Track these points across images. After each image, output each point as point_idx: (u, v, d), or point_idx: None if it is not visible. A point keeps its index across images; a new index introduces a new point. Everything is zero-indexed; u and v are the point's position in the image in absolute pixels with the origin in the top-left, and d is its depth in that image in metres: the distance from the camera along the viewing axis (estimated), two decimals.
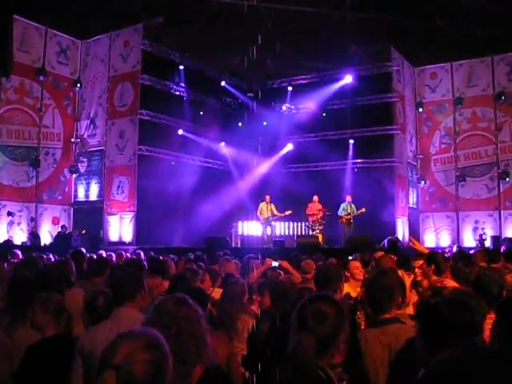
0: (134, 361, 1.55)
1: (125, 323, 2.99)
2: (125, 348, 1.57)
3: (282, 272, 6.47)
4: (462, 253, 7.94)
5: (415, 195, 22.07)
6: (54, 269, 5.42)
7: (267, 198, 18.15)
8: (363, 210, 17.22)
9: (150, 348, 1.59)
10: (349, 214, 17.47)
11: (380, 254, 6.93)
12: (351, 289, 5.20)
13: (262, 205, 18.09)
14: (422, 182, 21.93)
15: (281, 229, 19.39)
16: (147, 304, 3.36)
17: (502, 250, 10.17)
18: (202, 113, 20.84)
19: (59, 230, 18.52)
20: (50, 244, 17.41)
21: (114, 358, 1.54)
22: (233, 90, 22.73)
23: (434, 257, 5.38)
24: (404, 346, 2.97)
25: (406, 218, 20.55)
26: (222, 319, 4.36)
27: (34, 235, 17.62)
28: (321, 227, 17.76)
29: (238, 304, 4.52)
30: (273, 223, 18.39)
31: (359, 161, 20.61)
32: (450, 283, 4.98)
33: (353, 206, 17.55)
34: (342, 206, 17.75)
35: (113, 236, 18.56)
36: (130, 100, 18.78)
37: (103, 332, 3.01)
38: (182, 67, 19.93)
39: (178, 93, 19.85)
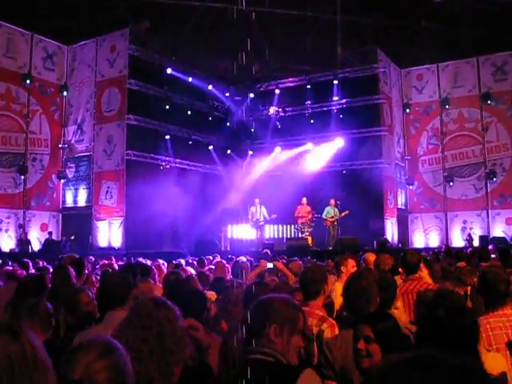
0: (93, 371, 1.56)
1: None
2: (81, 361, 1.57)
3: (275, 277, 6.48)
4: (449, 252, 8.00)
5: (404, 196, 22.22)
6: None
7: (256, 201, 18.22)
8: (347, 212, 17.39)
9: (105, 354, 1.61)
10: (333, 216, 17.67)
11: (369, 254, 6.93)
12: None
13: (252, 208, 18.16)
14: (411, 187, 22.09)
15: (270, 231, 19.42)
16: None
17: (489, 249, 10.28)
18: (189, 117, 20.82)
19: (47, 236, 18.47)
20: (39, 250, 17.32)
21: (74, 373, 1.55)
22: (220, 94, 22.76)
23: (404, 257, 5.35)
24: None
25: (394, 219, 20.69)
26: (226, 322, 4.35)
27: (22, 242, 17.53)
28: (310, 229, 17.87)
29: (241, 306, 4.51)
30: (265, 226, 18.47)
31: (347, 163, 20.70)
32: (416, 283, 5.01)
33: (336, 209, 17.70)
34: (326, 209, 17.94)
35: (102, 241, 18.52)
36: (117, 105, 18.75)
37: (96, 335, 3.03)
38: (169, 71, 19.93)
39: (165, 97, 19.82)
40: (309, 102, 21.82)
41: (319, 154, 21.18)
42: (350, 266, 5.74)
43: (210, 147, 22.03)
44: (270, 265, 6.78)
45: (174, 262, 9.40)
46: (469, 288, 4.42)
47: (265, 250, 12.16)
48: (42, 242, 18.32)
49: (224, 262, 8.04)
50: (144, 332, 2.13)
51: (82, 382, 1.52)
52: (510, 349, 3.18)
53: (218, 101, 22.77)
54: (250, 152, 23.12)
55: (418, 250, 13.26)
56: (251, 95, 22.88)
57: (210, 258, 10.65)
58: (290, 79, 22.48)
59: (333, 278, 5.79)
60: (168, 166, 19.85)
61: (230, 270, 7.48)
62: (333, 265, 7.83)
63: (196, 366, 2.42)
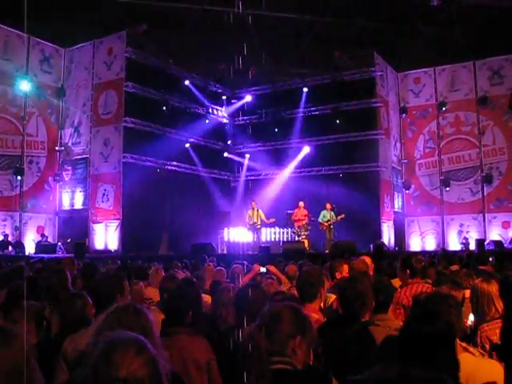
0: (136, 368, 1.58)
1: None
2: (123, 358, 1.58)
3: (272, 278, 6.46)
4: (446, 255, 7.98)
5: (400, 199, 22.22)
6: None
7: (253, 204, 18.24)
8: (342, 215, 17.41)
9: (141, 351, 1.63)
10: (329, 220, 17.67)
11: (365, 258, 6.90)
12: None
13: (249, 211, 18.17)
14: (407, 190, 22.11)
15: (266, 235, 19.39)
16: None
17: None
18: (186, 120, 20.81)
19: (40, 239, 18.36)
20: (34, 253, 17.22)
21: (119, 372, 1.56)
22: (217, 97, 22.78)
23: (408, 260, 5.34)
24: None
25: (391, 223, 20.67)
26: (217, 325, 4.34)
27: (2, 244, 17.27)
28: (306, 233, 17.87)
29: (232, 309, 4.49)
30: (262, 229, 18.47)
31: (344, 166, 20.71)
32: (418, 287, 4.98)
33: (332, 213, 17.71)
34: (323, 213, 17.93)
35: (98, 244, 18.46)
36: (114, 108, 18.71)
37: (87, 338, 3.02)
38: (166, 74, 19.89)
39: (162, 100, 19.78)
40: (305, 105, 21.78)
41: (316, 158, 21.14)
42: (345, 273, 5.72)
43: (207, 150, 22.00)
44: (263, 269, 6.77)
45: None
46: (467, 291, 4.40)
47: (260, 254, 12.19)
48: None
49: (212, 266, 8.04)
50: None
51: (127, 380, 1.55)
52: (497, 352, 3.15)
53: (215, 103, 22.76)
54: (247, 155, 23.13)
55: (415, 254, 13.23)
56: (248, 98, 22.90)
57: (207, 258, 10.64)
58: (287, 82, 22.48)
59: (327, 282, 5.75)
60: (165, 169, 19.82)
61: (224, 273, 7.49)
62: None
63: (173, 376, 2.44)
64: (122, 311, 2.48)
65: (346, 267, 5.87)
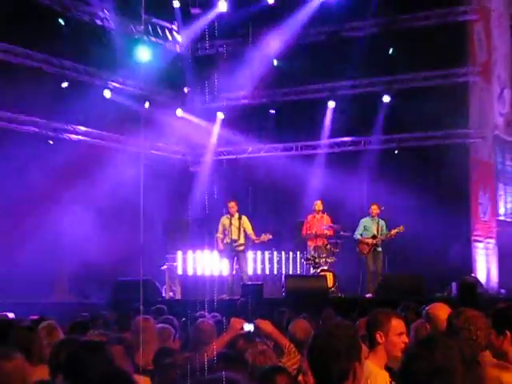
0: None
1: None
2: None
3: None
4: None
5: (511, 199, 22.26)
6: None
7: (232, 206, 18.16)
8: (400, 228, 17.47)
9: None
10: (375, 236, 17.68)
11: (441, 307, 6.85)
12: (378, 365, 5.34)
13: (224, 220, 18.10)
14: None
15: (257, 263, 19.48)
16: None
17: None
18: (100, 46, 20.73)
19: None
20: None
21: None
22: (162, 6, 22.79)
23: (506, 315, 5.34)
24: None
25: (492, 242, 20.67)
26: None
27: None
28: (330, 260, 17.89)
29: None
30: (247, 253, 18.50)
31: (401, 135, 20.90)
32: None
33: (381, 222, 17.77)
34: (363, 222, 18.01)
35: None
36: None
37: None
38: None
39: (53, 7, 19.64)
40: (329, 23, 21.77)
41: (347, 121, 21.17)
42: (394, 333, 5.69)
43: (147, 104, 21.90)
44: (248, 326, 6.81)
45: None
46: None
47: (240, 299, 12.19)
48: None
49: (152, 322, 8.06)
50: None
51: None
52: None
53: (159, 17, 22.75)
54: (220, 115, 23.08)
55: None
56: (222, 6, 22.77)
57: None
58: None
59: (366, 349, 5.73)
60: (61, 139, 19.76)
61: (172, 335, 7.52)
62: None
63: None
64: None
65: (398, 324, 5.80)
